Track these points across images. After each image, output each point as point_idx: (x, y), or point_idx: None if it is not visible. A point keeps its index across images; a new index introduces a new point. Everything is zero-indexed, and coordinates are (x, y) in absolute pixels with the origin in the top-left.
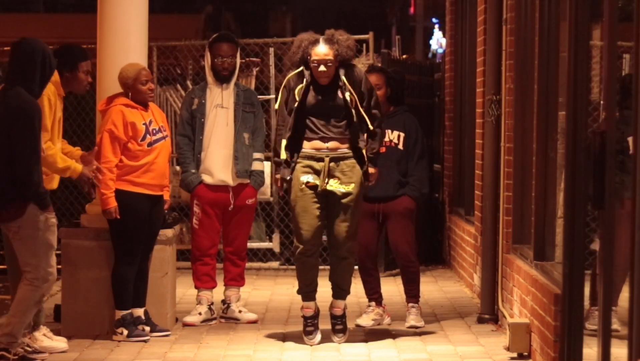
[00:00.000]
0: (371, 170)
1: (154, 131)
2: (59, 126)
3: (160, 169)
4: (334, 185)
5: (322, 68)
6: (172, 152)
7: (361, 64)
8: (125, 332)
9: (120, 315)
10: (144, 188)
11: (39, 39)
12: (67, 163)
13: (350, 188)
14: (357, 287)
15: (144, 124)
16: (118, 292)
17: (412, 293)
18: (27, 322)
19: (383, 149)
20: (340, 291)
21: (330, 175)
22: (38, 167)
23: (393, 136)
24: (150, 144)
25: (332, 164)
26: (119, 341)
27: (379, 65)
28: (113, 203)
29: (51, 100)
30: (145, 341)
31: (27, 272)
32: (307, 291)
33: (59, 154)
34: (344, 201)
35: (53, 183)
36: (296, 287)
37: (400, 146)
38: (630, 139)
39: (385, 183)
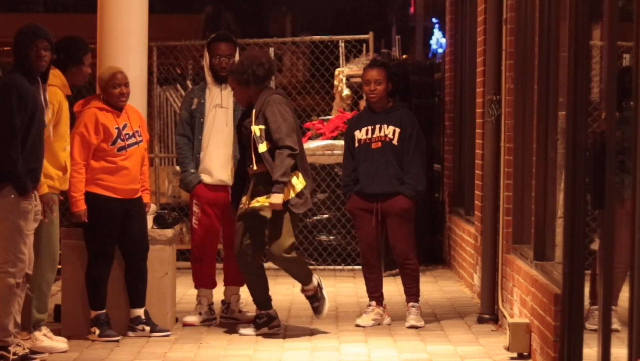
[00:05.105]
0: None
1: (127, 136)
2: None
3: (131, 174)
4: (260, 201)
5: None
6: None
7: (361, 63)
8: (98, 331)
9: (94, 314)
10: (113, 191)
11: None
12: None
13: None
14: (357, 287)
15: (117, 128)
16: (90, 293)
17: (411, 291)
18: (12, 311)
19: (379, 144)
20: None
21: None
22: (14, 148)
23: (388, 131)
24: (120, 149)
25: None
26: (93, 340)
27: (380, 59)
28: (82, 206)
29: (54, 106)
30: (116, 341)
31: None
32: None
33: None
34: (263, 214)
35: (67, 184)
36: (296, 287)
37: (395, 142)
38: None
39: (382, 179)
